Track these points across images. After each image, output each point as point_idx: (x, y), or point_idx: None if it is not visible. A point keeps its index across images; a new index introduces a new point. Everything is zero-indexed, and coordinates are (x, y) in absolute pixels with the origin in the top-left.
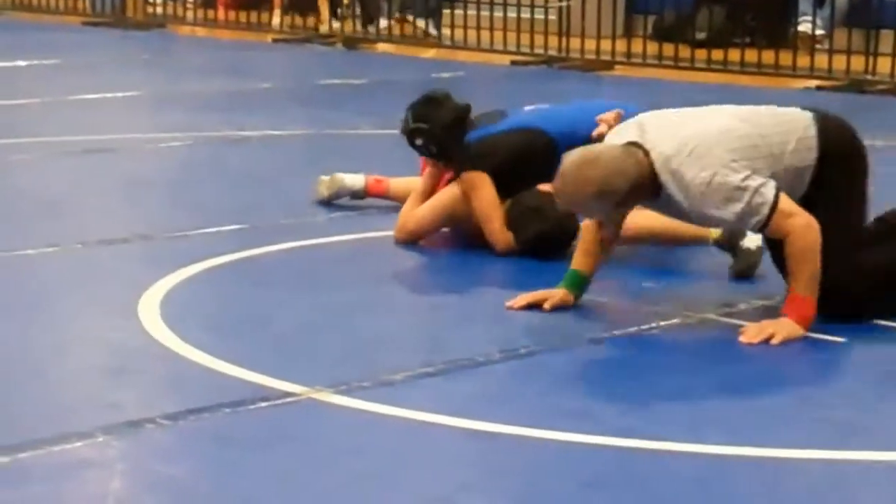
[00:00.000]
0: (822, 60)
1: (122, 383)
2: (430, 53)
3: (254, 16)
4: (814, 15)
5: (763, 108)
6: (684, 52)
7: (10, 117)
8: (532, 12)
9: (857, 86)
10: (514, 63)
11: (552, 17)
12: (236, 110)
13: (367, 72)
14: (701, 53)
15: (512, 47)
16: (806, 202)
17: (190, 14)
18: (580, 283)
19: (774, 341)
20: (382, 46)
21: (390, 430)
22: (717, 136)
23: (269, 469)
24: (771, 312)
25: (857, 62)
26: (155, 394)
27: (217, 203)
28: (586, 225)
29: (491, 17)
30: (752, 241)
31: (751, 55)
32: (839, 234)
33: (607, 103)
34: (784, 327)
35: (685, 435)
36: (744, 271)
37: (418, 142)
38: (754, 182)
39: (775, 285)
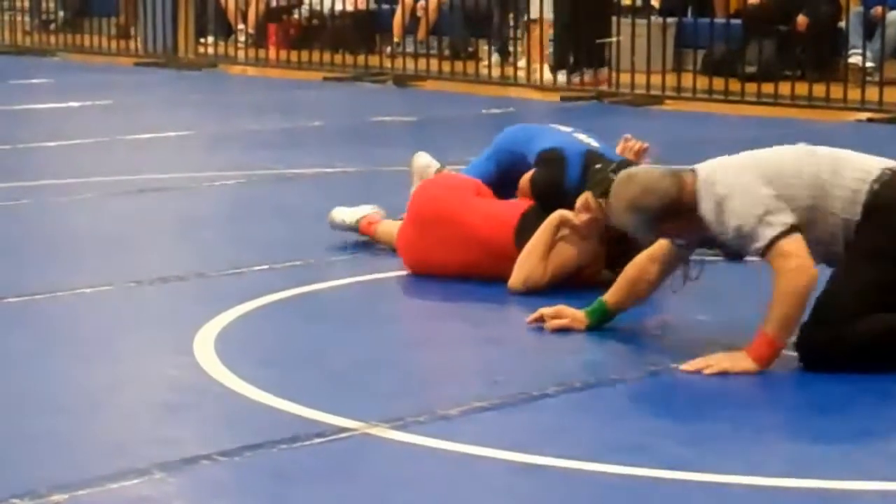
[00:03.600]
0: (872, 93)
1: (178, 420)
2: (479, 90)
3: (305, 55)
4: (864, 47)
5: (836, 152)
6: (734, 85)
7: (65, 158)
8: None
9: None
10: (563, 99)
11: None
12: (288, 148)
13: (418, 109)
14: (751, 87)
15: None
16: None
17: (241, 53)
18: (601, 314)
19: (707, 371)
20: (432, 83)
21: (445, 465)
22: (756, 162)
23: None
24: None
25: None
26: (211, 430)
27: (270, 240)
28: (636, 260)
29: (541, 54)
30: None
31: (801, 88)
32: (853, 288)
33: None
34: (727, 360)
35: (743, 468)
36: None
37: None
38: (771, 213)
39: None
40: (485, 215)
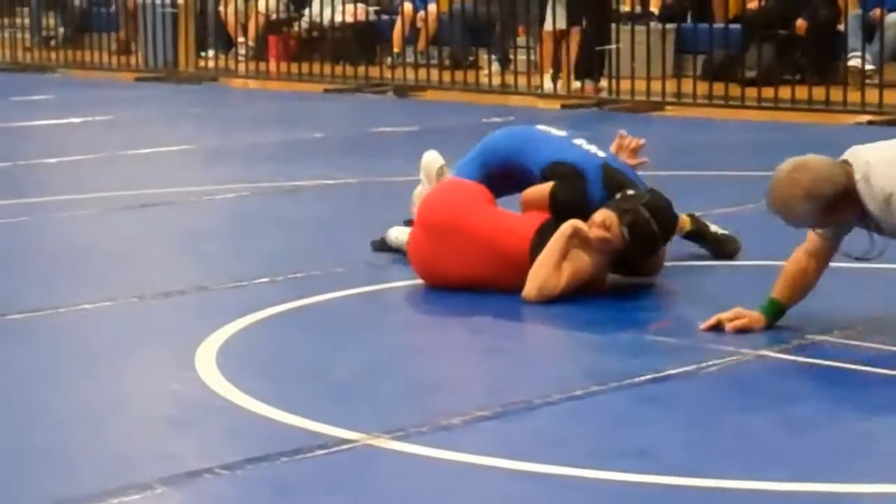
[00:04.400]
0: (872, 95)
1: (180, 434)
2: (480, 99)
3: (305, 67)
4: (863, 50)
5: None
6: (734, 90)
7: (66, 174)
8: None
9: None
10: (564, 107)
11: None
12: (289, 161)
13: (419, 119)
14: (751, 92)
15: (562, 91)
16: None
17: (242, 67)
18: (776, 311)
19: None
20: (433, 93)
21: (448, 475)
22: None
23: None
24: (827, 349)
25: None
26: (213, 444)
27: (272, 253)
28: (794, 256)
29: (540, 62)
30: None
31: (801, 92)
32: None
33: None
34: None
35: (746, 472)
36: (733, 252)
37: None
38: None
39: (828, 322)
40: (500, 226)
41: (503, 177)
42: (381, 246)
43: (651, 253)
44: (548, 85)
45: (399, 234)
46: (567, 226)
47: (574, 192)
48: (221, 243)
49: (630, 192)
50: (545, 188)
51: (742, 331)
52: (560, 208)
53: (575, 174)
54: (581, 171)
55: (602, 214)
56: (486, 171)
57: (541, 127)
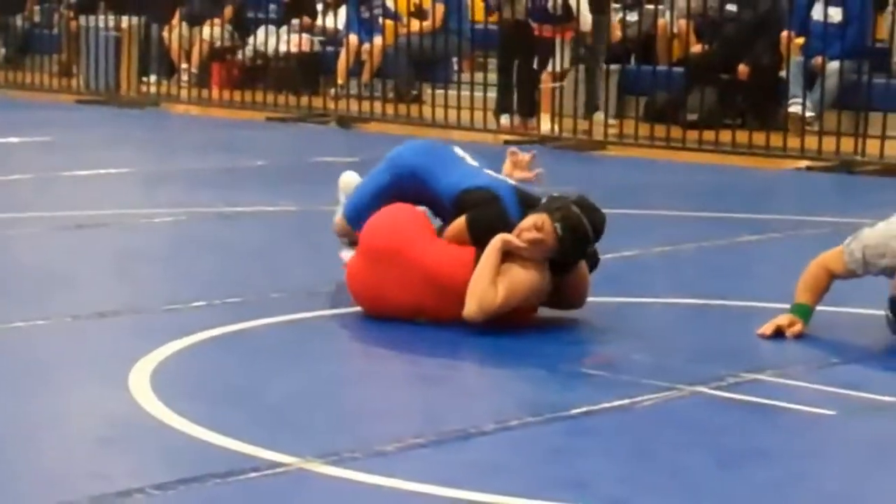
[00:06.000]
0: (812, 141)
1: (112, 454)
2: (423, 132)
3: (248, 95)
4: (804, 97)
5: None
6: (676, 132)
7: (4, 193)
8: None
9: (846, 166)
10: (506, 142)
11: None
12: (230, 187)
13: (361, 150)
14: (692, 134)
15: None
16: None
17: (184, 93)
18: (808, 314)
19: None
20: (376, 125)
21: (381, 501)
22: None
23: None
24: (761, 387)
25: (847, 143)
26: (145, 464)
27: (209, 277)
28: (816, 270)
29: (484, 98)
30: None
31: (742, 136)
32: None
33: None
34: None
35: None
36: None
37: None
38: None
39: (762, 361)
40: (443, 255)
41: (411, 191)
42: None
43: (583, 251)
44: (503, 121)
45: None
46: (496, 240)
47: (491, 214)
48: (158, 266)
49: (555, 193)
50: (460, 222)
51: (798, 336)
52: (481, 233)
53: (490, 197)
54: (495, 192)
55: (532, 218)
56: (397, 185)
57: (457, 150)
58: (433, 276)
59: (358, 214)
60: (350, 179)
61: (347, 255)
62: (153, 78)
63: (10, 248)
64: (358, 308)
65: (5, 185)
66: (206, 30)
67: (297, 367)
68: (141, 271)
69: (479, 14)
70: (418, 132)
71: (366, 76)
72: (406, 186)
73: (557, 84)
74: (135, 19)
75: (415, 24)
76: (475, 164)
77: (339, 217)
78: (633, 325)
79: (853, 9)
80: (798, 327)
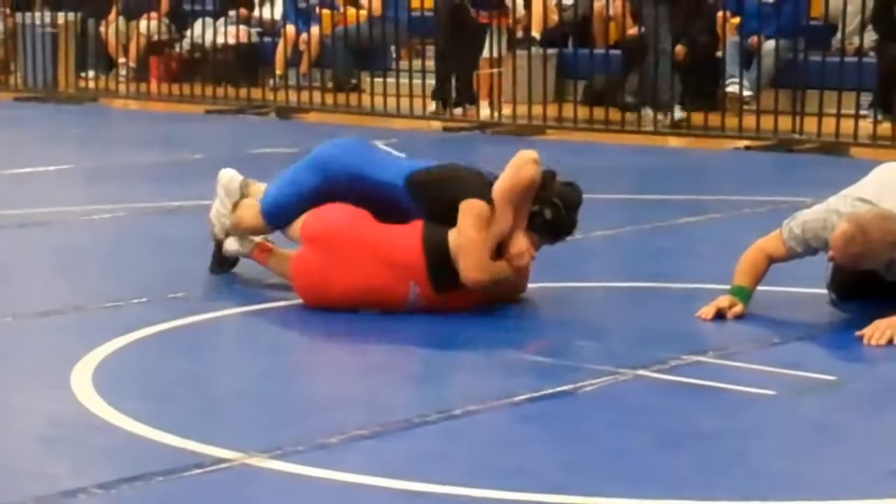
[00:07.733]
0: (750, 121)
1: (55, 453)
2: (363, 121)
3: (186, 88)
4: (741, 76)
5: None
6: (615, 115)
7: None
8: None
9: (784, 145)
10: (446, 129)
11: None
12: (169, 181)
13: (300, 140)
14: (631, 116)
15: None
16: None
17: (123, 87)
18: (748, 296)
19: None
20: (315, 115)
21: (325, 494)
22: None
23: None
24: (702, 369)
25: (785, 122)
26: (88, 463)
27: (150, 273)
28: (755, 254)
29: (423, 85)
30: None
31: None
32: None
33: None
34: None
35: (622, 489)
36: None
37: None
38: None
39: (703, 343)
40: (386, 232)
41: (346, 191)
42: (221, 261)
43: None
44: (430, 108)
45: (234, 244)
46: (484, 209)
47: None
48: (98, 263)
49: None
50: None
51: (739, 317)
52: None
53: (455, 168)
54: (453, 164)
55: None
56: (329, 188)
57: (380, 145)
58: (379, 251)
59: (279, 212)
60: (232, 176)
61: (233, 246)
62: (91, 73)
63: None
64: (296, 300)
65: None
66: (144, 23)
67: (238, 361)
68: (81, 269)
69: (416, 0)
70: (358, 121)
71: (304, 66)
72: (341, 187)
73: (495, 70)
74: (71, 15)
75: (352, 13)
76: (388, 150)
77: (241, 212)
78: (574, 310)
79: None
80: (738, 308)
